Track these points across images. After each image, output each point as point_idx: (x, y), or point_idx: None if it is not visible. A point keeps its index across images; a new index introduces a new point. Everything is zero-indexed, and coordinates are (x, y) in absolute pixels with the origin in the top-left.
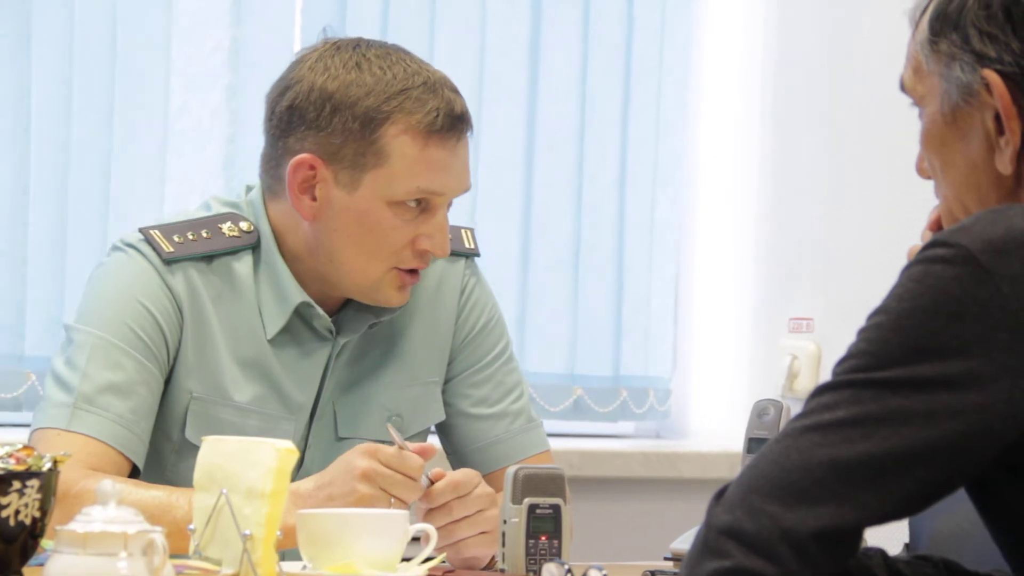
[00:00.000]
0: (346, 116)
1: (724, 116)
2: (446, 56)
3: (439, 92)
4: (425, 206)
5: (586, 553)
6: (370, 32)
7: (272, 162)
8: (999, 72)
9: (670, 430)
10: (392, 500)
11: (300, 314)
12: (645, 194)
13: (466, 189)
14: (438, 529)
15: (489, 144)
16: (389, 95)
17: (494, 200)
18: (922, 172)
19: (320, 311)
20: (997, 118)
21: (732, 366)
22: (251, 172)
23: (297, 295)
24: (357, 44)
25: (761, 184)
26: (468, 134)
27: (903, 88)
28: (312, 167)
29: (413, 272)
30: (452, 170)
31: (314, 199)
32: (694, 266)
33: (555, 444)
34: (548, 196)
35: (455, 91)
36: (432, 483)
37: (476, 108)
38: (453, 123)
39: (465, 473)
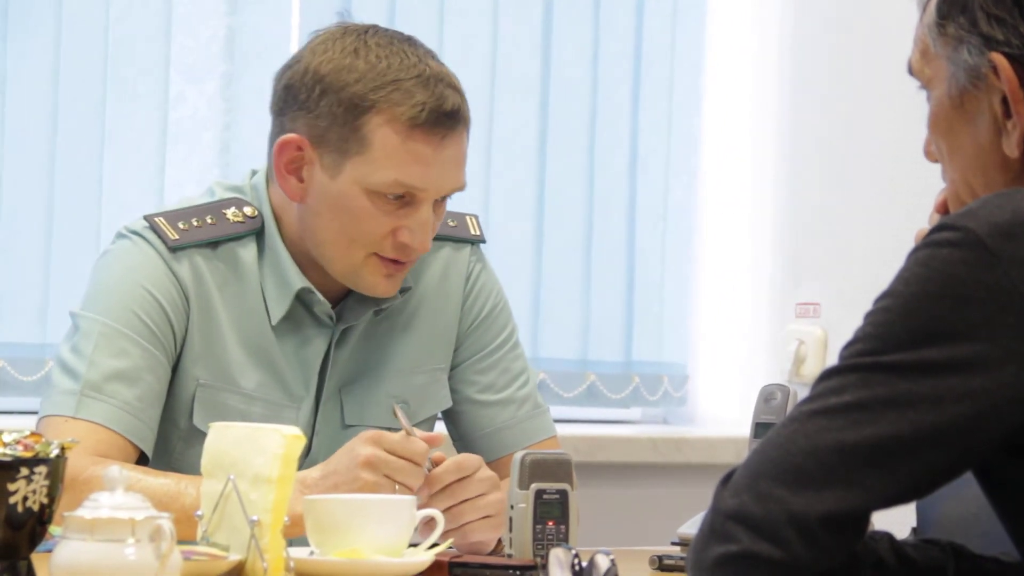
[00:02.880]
0: (332, 100)
1: (734, 103)
2: (457, 45)
3: (431, 86)
4: (409, 199)
5: (593, 538)
6: (376, 20)
7: (271, 141)
8: (1007, 55)
9: (677, 416)
10: (397, 487)
11: (302, 300)
12: (657, 181)
13: (456, 187)
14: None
15: (501, 133)
16: (378, 84)
17: (506, 189)
18: (929, 155)
19: (320, 297)
20: (1004, 101)
21: (739, 351)
22: (246, 161)
23: (298, 281)
24: (366, 31)
25: (768, 170)
26: (462, 131)
27: (911, 71)
28: (300, 148)
29: (397, 262)
30: (435, 166)
31: (301, 180)
32: (701, 252)
33: (564, 430)
34: (560, 184)
35: (453, 88)
36: (434, 467)
37: (488, 98)
38: (439, 119)
39: (467, 456)
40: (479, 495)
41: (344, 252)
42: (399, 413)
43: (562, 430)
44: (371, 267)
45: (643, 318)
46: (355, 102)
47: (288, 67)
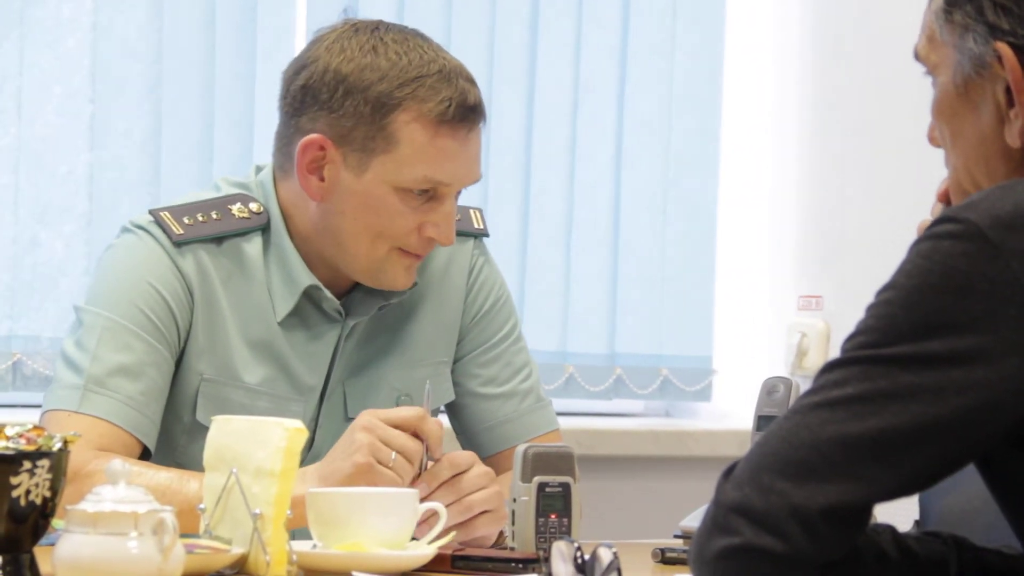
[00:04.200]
0: (358, 100)
1: (736, 98)
2: (454, 36)
3: (453, 81)
4: (433, 194)
5: (596, 531)
6: (379, 16)
7: (284, 140)
8: (1011, 45)
9: (679, 408)
10: (394, 454)
11: (309, 296)
12: (655, 174)
13: (475, 179)
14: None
15: (492, 125)
16: (403, 81)
17: (495, 182)
18: (933, 141)
19: (328, 294)
20: (1008, 91)
21: (741, 344)
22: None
23: (306, 278)
24: (376, 27)
25: (770, 163)
26: (480, 125)
27: (917, 57)
28: (322, 148)
29: (415, 255)
30: (461, 160)
31: (322, 179)
32: (702, 245)
33: (562, 422)
34: (544, 175)
35: (470, 81)
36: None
37: (485, 91)
38: (465, 114)
39: (458, 453)
40: (476, 490)
41: (368, 249)
42: (426, 393)
43: (562, 422)
44: (393, 262)
45: (637, 310)
46: (382, 100)
47: (303, 67)
